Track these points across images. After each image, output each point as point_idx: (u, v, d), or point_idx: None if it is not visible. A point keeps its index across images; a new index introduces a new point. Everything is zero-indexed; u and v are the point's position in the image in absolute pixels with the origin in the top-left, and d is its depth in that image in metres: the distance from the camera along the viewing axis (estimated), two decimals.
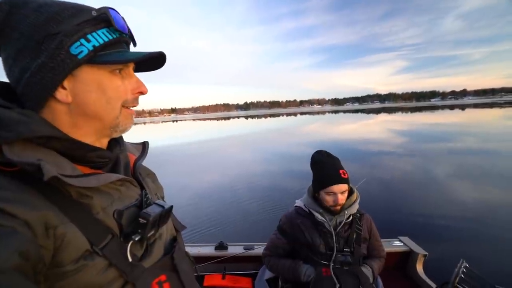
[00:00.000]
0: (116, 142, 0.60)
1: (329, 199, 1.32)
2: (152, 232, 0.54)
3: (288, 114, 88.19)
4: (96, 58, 0.47)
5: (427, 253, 2.01)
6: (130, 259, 0.49)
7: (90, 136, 0.52)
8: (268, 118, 64.06)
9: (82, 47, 0.45)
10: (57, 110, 0.48)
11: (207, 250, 2.10)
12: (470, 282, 1.59)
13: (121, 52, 0.50)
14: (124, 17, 0.52)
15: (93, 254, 0.45)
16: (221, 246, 2.09)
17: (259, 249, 2.02)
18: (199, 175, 8.00)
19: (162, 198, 0.71)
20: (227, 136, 21.73)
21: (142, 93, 0.55)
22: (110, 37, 0.48)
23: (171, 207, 0.59)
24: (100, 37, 0.47)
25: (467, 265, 1.64)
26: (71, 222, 0.43)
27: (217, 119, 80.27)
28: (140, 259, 0.52)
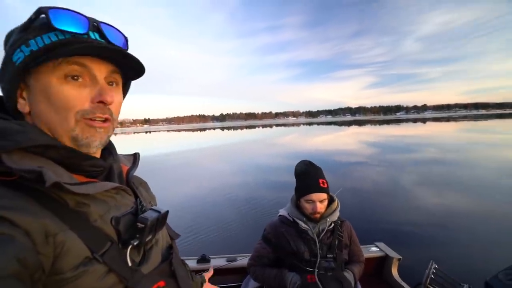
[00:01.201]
0: (109, 153, 0.61)
1: (308, 207, 1.37)
2: (150, 237, 0.55)
3: (264, 126, 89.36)
4: (30, 62, 0.44)
5: (401, 257, 2.13)
6: (130, 264, 0.50)
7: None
8: (244, 129, 64.40)
9: (20, 53, 0.44)
10: (27, 120, 0.49)
11: (189, 263, 2.03)
12: (440, 282, 1.72)
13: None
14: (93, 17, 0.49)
15: (93, 261, 0.45)
16: (203, 259, 2.04)
17: (242, 261, 2.01)
18: (175, 187, 7.76)
19: (156, 206, 0.71)
20: (203, 148, 21.42)
21: (103, 102, 0.48)
22: (55, 39, 0.44)
23: (167, 212, 0.60)
24: (43, 40, 0.43)
25: (436, 266, 1.77)
26: (70, 230, 0.43)
27: (193, 130, 79.09)
28: (139, 265, 0.53)
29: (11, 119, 0.45)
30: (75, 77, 0.46)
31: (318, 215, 1.36)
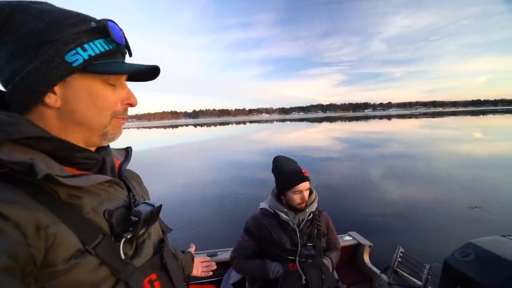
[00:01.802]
0: (102, 146, 0.60)
1: (296, 198, 1.41)
2: (143, 230, 0.55)
3: (238, 122, 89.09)
4: (90, 67, 0.47)
5: (372, 244, 2.29)
6: (123, 257, 0.50)
7: (78, 142, 0.51)
8: (218, 126, 63.70)
9: (78, 56, 0.46)
10: (46, 114, 0.48)
11: None
12: (406, 264, 1.88)
13: (117, 63, 0.51)
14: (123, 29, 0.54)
15: (85, 253, 0.45)
16: None
17: (222, 255, 2.02)
18: (149, 185, 7.47)
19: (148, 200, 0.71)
20: (175, 145, 20.84)
21: (131, 105, 0.56)
22: (107, 48, 0.49)
23: (161, 205, 0.60)
24: (97, 47, 0.48)
25: (402, 250, 1.93)
26: (62, 222, 0.43)
27: (164, 127, 76.44)
28: (131, 258, 0.53)
29: (0, 111, 0.43)
30: (112, 81, 0.52)
31: (304, 204, 1.42)
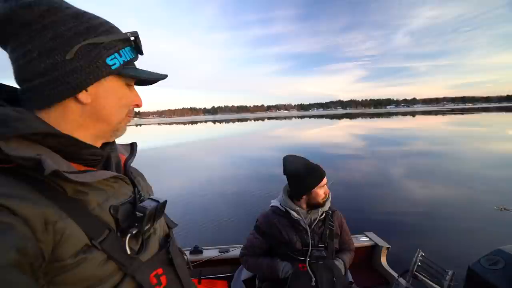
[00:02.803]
0: (107, 142, 0.61)
1: (321, 192, 1.38)
2: (148, 226, 0.56)
3: (256, 119, 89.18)
4: (124, 70, 0.54)
5: (390, 246, 2.19)
6: (129, 252, 0.51)
7: (90, 137, 0.54)
8: (236, 122, 64.16)
9: (116, 60, 0.52)
10: (71, 110, 0.50)
11: None
12: (426, 269, 1.78)
13: (136, 69, 0.58)
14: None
15: (92, 248, 0.46)
16: (196, 251, 2.05)
17: (234, 251, 2.03)
18: (168, 180, 7.69)
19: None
20: (195, 141, 21.26)
21: (138, 105, 0.61)
22: (133, 56, 0.56)
23: (166, 201, 0.61)
24: (127, 54, 0.54)
25: (423, 254, 1.82)
26: (69, 218, 0.44)
27: (184, 123, 78.14)
28: (137, 253, 0.54)
29: (6, 106, 0.44)
30: (129, 84, 0.58)
31: (324, 200, 1.41)
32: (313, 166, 1.43)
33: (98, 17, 0.52)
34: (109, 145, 0.62)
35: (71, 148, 0.49)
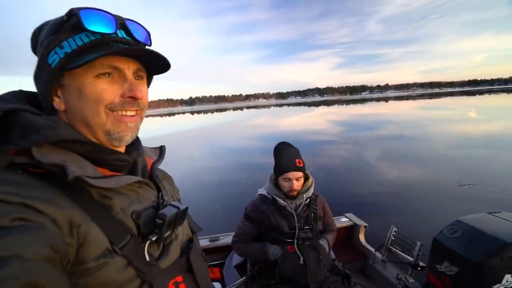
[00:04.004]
0: (134, 146, 0.61)
1: (285, 185, 1.47)
2: (169, 232, 0.56)
3: (235, 109, 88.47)
4: (71, 64, 0.46)
5: (367, 225, 2.39)
6: (147, 259, 0.51)
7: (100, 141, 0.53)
8: (215, 113, 63.26)
9: (55, 56, 0.46)
10: (62, 118, 0.51)
11: None
12: (399, 242, 1.98)
13: (97, 52, 0.47)
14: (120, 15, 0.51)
15: (113, 253, 0.46)
16: None
17: (224, 239, 2.11)
18: None
19: (179, 200, 0.72)
20: (173, 133, 20.79)
21: (134, 97, 0.51)
22: (86, 40, 0.46)
23: (187, 208, 0.60)
24: (75, 42, 0.46)
25: (396, 229, 2.03)
26: (92, 221, 0.45)
27: (161, 115, 75.78)
28: (157, 259, 0.53)
29: (43, 115, 0.46)
30: (107, 74, 0.49)
31: (295, 193, 1.47)
32: (288, 158, 1.48)
33: (60, 17, 0.47)
34: (136, 149, 0.60)
35: (96, 154, 0.50)
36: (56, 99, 0.49)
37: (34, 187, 0.41)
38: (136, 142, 0.62)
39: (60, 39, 0.46)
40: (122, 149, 0.57)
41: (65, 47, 0.46)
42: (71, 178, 0.42)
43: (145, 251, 0.51)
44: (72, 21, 0.46)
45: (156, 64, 0.56)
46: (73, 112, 0.50)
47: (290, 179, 1.45)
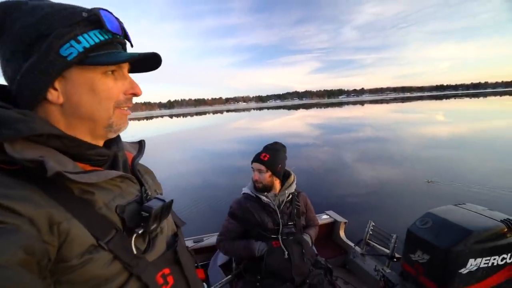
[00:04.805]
0: (113, 141, 0.60)
1: (254, 174, 1.57)
2: (155, 225, 0.55)
3: (215, 112, 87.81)
4: (87, 59, 0.47)
5: (347, 221, 2.49)
6: (135, 252, 0.50)
7: (86, 136, 0.51)
8: (195, 116, 62.37)
9: (72, 49, 0.45)
10: (50, 111, 0.48)
11: None
12: (376, 236, 2.09)
13: (113, 53, 0.50)
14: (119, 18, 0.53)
15: (98, 248, 0.45)
16: None
17: (208, 240, 2.10)
18: None
19: (161, 195, 0.71)
20: (152, 137, 20.20)
21: (135, 94, 0.55)
22: (102, 38, 0.48)
23: (172, 201, 0.60)
24: (91, 38, 0.47)
25: (373, 224, 2.13)
26: (74, 218, 0.43)
27: (138, 119, 73.28)
28: (144, 252, 0.53)
29: (12, 108, 0.43)
30: (111, 72, 0.51)
31: (259, 185, 1.54)
32: (262, 150, 1.59)
33: (56, 5, 0.46)
34: (116, 144, 0.60)
35: (75, 149, 0.48)
36: (52, 91, 0.46)
37: (7, 185, 0.39)
38: (116, 136, 0.61)
39: (76, 33, 0.45)
40: (101, 144, 0.56)
41: (82, 42, 0.46)
42: (51, 174, 0.40)
43: (132, 244, 0.50)
44: (89, 18, 0.47)
45: (144, 66, 0.59)
46: (75, 105, 0.48)
47: (254, 170, 1.56)
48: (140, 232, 0.52)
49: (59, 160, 0.45)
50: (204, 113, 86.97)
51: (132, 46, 0.57)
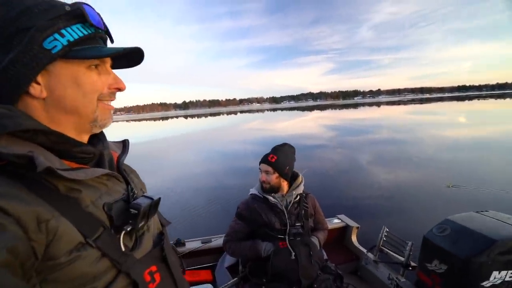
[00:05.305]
0: (99, 140, 0.60)
1: (261, 175, 1.56)
2: (143, 223, 0.56)
3: (229, 113, 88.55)
4: (71, 53, 0.46)
5: (359, 226, 2.40)
6: (123, 249, 0.50)
7: (70, 131, 0.51)
8: (209, 117, 63.18)
9: (56, 42, 0.45)
10: (32, 106, 0.47)
11: None
12: (390, 243, 2.00)
13: (97, 48, 0.50)
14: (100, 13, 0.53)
15: (86, 246, 0.45)
16: (178, 243, 2.08)
17: (216, 241, 2.09)
18: (144, 177, 7.46)
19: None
20: (167, 137, 20.64)
21: (119, 89, 0.55)
22: (85, 33, 0.48)
23: (159, 198, 0.61)
24: (75, 32, 0.47)
25: (387, 230, 2.04)
26: (62, 216, 0.43)
27: (154, 119, 75.14)
28: (131, 250, 0.53)
29: None
30: (95, 66, 0.51)
31: (266, 186, 1.53)
32: (270, 151, 1.57)
33: (50, 4, 0.46)
34: (101, 142, 0.60)
35: (61, 146, 0.47)
36: (35, 85, 0.45)
37: None
38: (101, 135, 0.61)
39: (59, 27, 0.45)
40: (85, 140, 0.56)
41: (66, 35, 0.46)
42: (41, 169, 0.39)
43: (121, 241, 0.50)
44: (72, 12, 0.47)
45: (126, 61, 0.59)
46: (59, 99, 0.48)
47: (261, 171, 1.55)
48: (128, 229, 0.52)
49: (45, 156, 0.43)
50: (218, 114, 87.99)
51: (112, 41, 0.56)
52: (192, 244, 2.09)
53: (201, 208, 4.87)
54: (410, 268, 1.75)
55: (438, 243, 1.39)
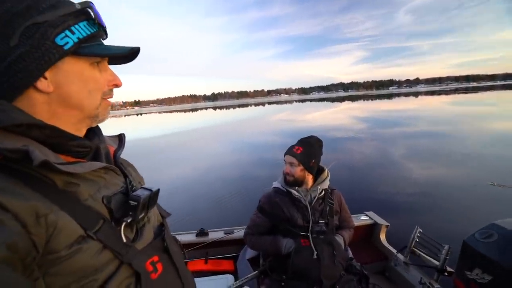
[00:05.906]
0: (94, 134, 0.60)
1: (285, 167, 1.52)
2: (142, 214, 0.56)
3: (257, 104, 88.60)
4: (80, 50, 0.48)
5: (389, 224, 2.26)
6: (124, 240, 0.51)
7: (68, 125, 0.51)
8: (237, 108, 63.79)
9: (67, 39, 0.46)
10: (35, 100, 0.47)
11: (189, 237, 2.12)
12: (424, 244, 1.85)
13: (101, 45, 0.52)
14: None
15: (87, 238, 0.45)
16: (202, 233, 2.12)
17: (239, 232, 2.10)
18: (173, 168, 7.82)
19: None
20: (197, 128, 21.30)
21: (117, 85, 0.57)
22: (92, 31, 0.50)
23: (158, 190, 0.61)
24: (83, 29, 0.48)
25: (420, 230, 1.89)
26: (61, 210, 0.43)
27: (184, 111, 77.79)
28: (132, 241, 0.54)
29: None
30: (97, 63, 0.53)
31: (290, 178, 1.47)
32: (296, 143, 1.52)
33: (61, 2, 0.47)
34: (97, 136, 0.60)
35: (57, 140, 0.47)
36: (42, 80, 0.46)
37: None
38: (96, 129, 0.62)
39: (69, 24, 0.47)
40: (82, 134, 0.56)
41: (76, 32, 0.47)
42: (37, 163, 0.39)
43: (122, 233, 0.51)
44: (81, 10, 0.48)
45: (120, 59, 0.60)
46: (65, 95, 0.49)
47: (286, 162, 1.50)
48: (128, 221, 0.52)
49: (41, 150, 0.43)
50: (246, 105, 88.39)
51: (106, 37, 0.57)
52: (215, 234, 2.13)
53: (226, 199, 4.95)
54: (446, 274, 1.61)
55: (482, 250, 1.24)
